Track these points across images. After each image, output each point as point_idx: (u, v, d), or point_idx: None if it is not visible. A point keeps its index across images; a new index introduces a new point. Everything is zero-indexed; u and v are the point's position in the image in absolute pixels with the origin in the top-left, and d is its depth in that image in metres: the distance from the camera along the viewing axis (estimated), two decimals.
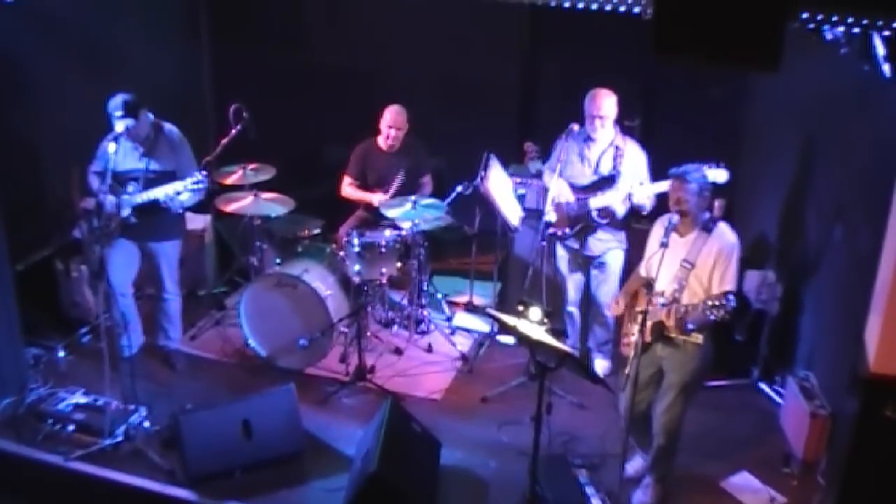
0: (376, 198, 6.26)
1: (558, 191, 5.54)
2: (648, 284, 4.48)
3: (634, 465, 4.95)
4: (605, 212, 5.51)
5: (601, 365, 5.93)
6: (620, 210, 5.52)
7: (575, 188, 5.57)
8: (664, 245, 4.31)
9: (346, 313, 5.87)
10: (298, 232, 6.35)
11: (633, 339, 4.48)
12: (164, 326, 5.93)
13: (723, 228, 4.44)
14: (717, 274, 4.34)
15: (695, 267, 4.36)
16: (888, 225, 3.95)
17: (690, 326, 4.34)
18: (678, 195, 4.38)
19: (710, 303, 4.15)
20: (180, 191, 5.29)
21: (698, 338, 4.41)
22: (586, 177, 5.56)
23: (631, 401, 4.48)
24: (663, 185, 5.06)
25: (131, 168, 5.40)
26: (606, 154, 5.50)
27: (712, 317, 4.13)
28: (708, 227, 4.41)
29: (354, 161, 6.44)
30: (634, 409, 4.55)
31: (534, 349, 4.43)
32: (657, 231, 4.55)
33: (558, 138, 5.60)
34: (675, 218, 4.41)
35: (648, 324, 4.43)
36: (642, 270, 4.67)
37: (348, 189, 6.47)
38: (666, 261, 4.35)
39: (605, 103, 5.39)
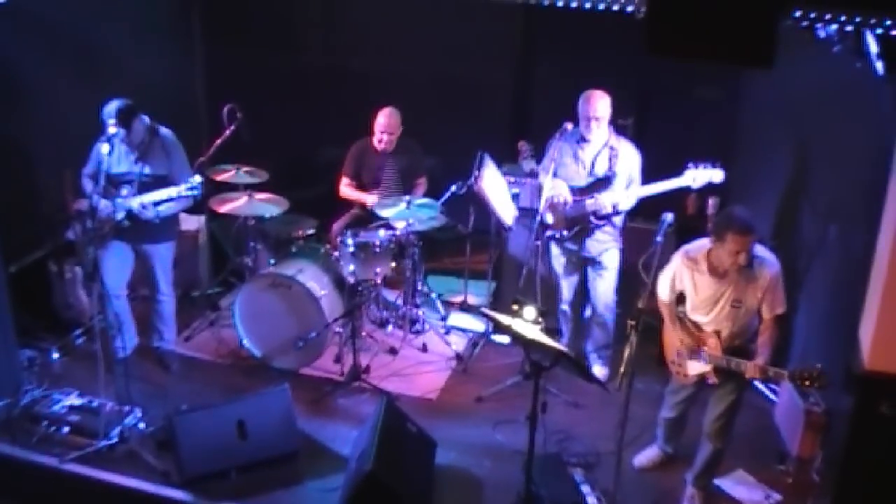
0: (370, 199, 6.30)
1: (555, 190, 5.52)
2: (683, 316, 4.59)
3: (648, 454, 5.05)
4: (602, 213, 5.49)
5: (599, 372, 5.87)
6: (628, 205, 5.48)
7: (571, 190, 5.55)
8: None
9: (340, 313, 5.86)
10: (293, 232, 6.34)
11: (692, 371, 4.59)
12: (159, 328, 5.92)
13: (764, 258, 4.39)
14: (767, 301, 4.39)
15: (745, 303, 4.40)
16: (882, 222, 3.96)
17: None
18: (748, 248, 4.26)
19: (801, 377, 4.11)
20: (174, 196, 5.29)
21: None
22: (582, 178, 5.54)
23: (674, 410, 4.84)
24: (666, 185, 5.26)
25: (126, 171, 5.39)
26: (602, 155, 5.48)
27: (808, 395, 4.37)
28: (748, 262, 4.34)
29: (350, 160, 6.46)
30: (676, 417, 4.86)
31: (528, 348, 4.43)
32: (684, 267, 4.51)
33: (552, 137, 5.60)
34: (698, 252, 4.46)
35: (710, 366, 4.48)
36: (664, 295, 4.63)
37: (346, 189, 6.51)
38: (706, 298, 4.44)
39: (600, 105, 5.37)
